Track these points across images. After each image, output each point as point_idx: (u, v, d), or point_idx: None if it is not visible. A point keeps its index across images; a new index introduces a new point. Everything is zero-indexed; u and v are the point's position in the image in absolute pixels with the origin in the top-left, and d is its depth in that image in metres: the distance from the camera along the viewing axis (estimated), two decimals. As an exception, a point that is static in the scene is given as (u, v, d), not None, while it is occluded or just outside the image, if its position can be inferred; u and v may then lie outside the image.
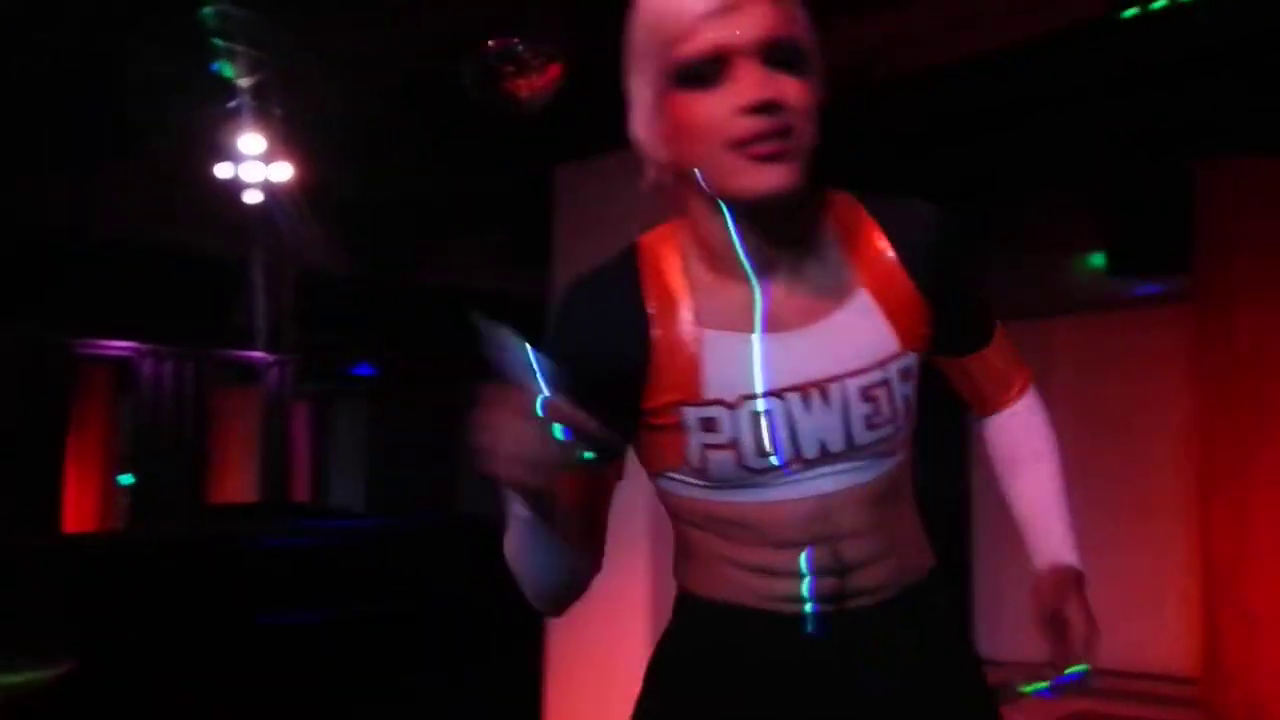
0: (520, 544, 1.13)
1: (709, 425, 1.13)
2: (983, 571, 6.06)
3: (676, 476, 1.18)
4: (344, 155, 4.30)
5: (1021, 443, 1.35)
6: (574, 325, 1.16)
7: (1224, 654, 4.43)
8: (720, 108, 1.06)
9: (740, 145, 1.06)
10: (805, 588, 1.15)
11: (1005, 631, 5.34)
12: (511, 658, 4.31)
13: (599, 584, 1.25)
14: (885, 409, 1.14)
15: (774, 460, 1.13)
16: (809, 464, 1.14)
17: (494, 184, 4.96)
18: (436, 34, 3.42)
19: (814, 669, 1.17)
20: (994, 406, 1.35)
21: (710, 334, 1.14)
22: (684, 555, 1.24)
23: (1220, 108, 4.07)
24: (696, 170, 1.09)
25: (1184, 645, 5.13)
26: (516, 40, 3.34)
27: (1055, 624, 1.25)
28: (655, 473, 1.21)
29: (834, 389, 1.13)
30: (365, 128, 4.17)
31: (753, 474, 1.14)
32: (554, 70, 3.34)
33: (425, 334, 7.25)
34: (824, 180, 1.18)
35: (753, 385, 1.13)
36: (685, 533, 1.22)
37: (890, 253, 1.17)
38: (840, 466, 1.15)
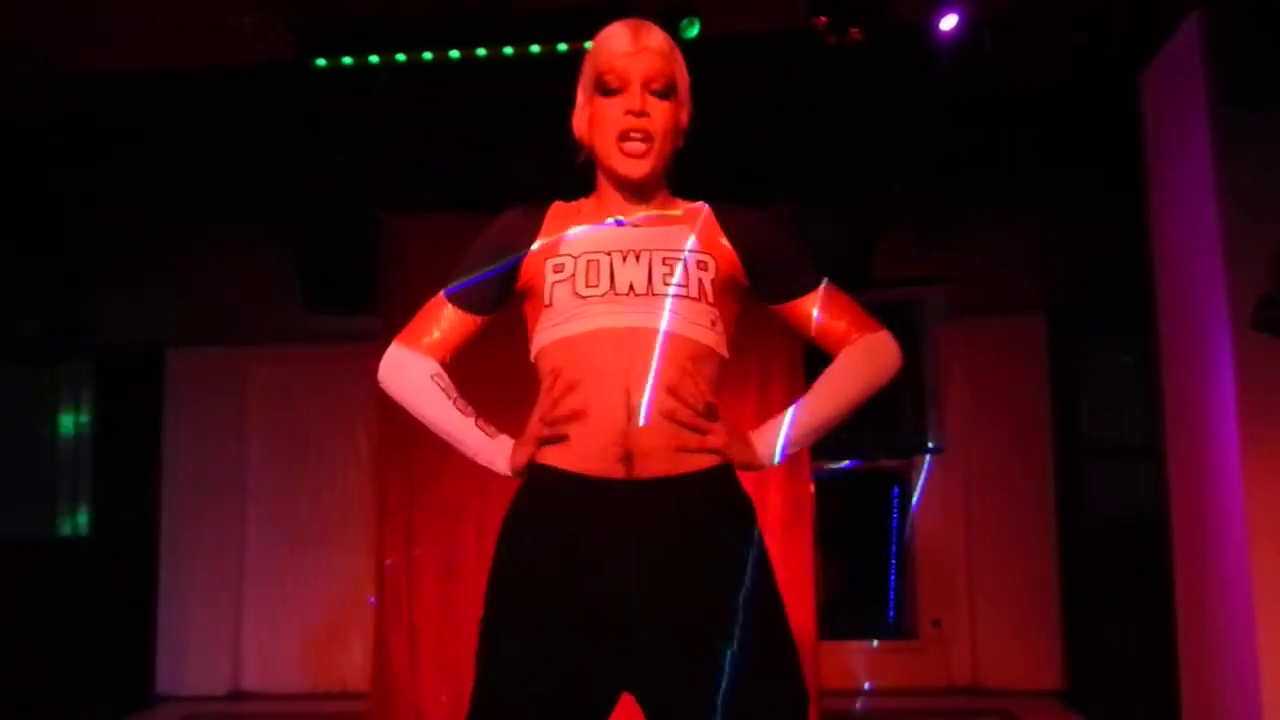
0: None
1: (558, 268, 1.75)
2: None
3: (543, 325, 1.75)
4: None
5: (858, 356, 1.81)
6: (499, 225, 1.86)
7: (390, 666, 4.79)
8: (616, 109, 1.77)
9: (621, 139, 1.76)
10: (606, 440, 1.65)
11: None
12: None
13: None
14: (680, 274, 1.72)
15: (597, 290, 1.70)
16: (620, 298, 1.70)
17: None
18: None
19: (609, 531, 1.65)
20: (839, 342, 1.82)
21: (575, 228, 1.80)
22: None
23: (402, 163, 4.45)
24: (596, 153, 1.81)
25: (360, 664, 5.43)
26: None
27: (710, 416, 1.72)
28: (531, 334, 1.80)
29: (644, 254, 1.74)
30: None
31: (581, 301, 1.71)
32: None
33: None
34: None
35: (591, 246, 1.76)
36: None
37: (716, 225, 1.81)
38: (646, 306, 1.69)
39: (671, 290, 1.71)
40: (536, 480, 1.74)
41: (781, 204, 4.75)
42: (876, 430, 6.34)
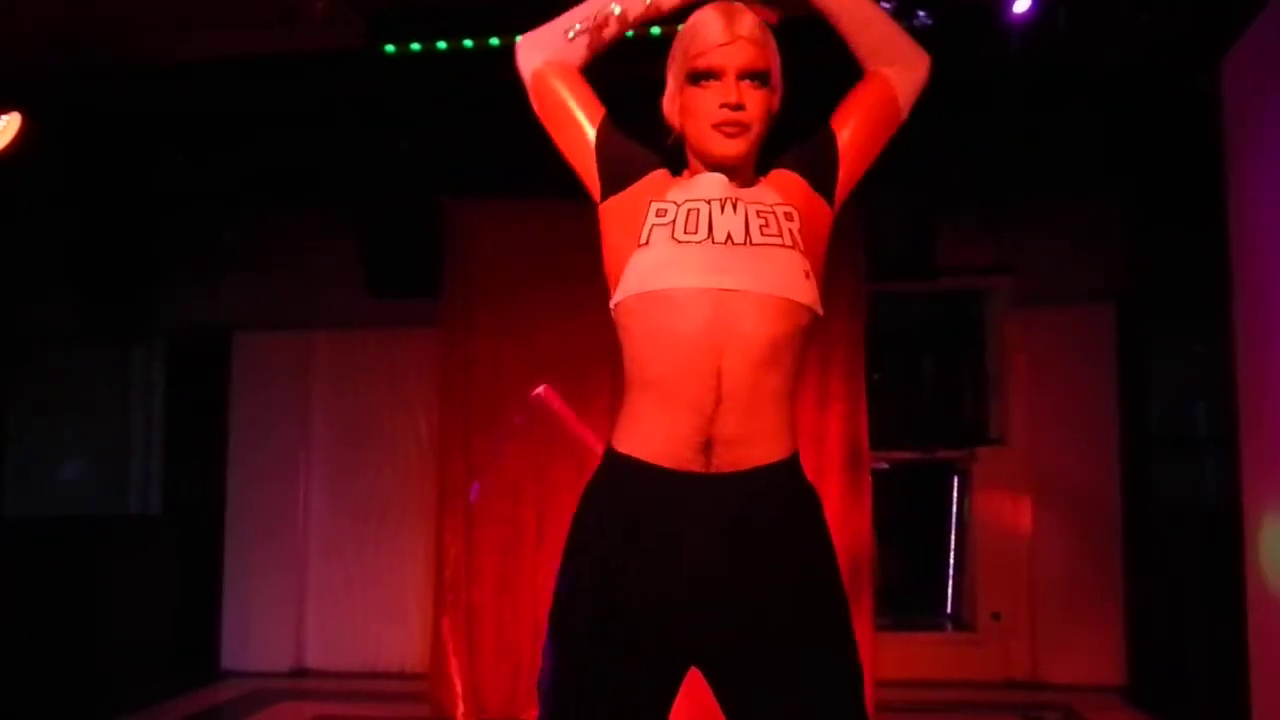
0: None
1: (661, 213, 1.76)
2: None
3: (630, 266, 1.73)
4: None
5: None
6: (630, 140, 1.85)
7: (448, 646, 4.84)
8: (710, 101, 1.75)
9: (716, 126, 1.75)
10: (690, 426, 1.67)
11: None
12: None
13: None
14: (773, 225, 1.74)
15: (695, 237, 1.71)
16: (717, 246, 1.70)
17: None
18: None
19: (693, 515, 1.68)
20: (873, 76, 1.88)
21: (677, 181, 1.83)
22: (623, 417, 1.76)
23: (467, 149, 4.48)
24: (690, 140, 1.81)
25: (419, 644, 5.51)
26: None
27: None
28: (615, 273, 1.76)
29: (740, 205, 1.76)
30: None
31: (679, 246, 1.71)
32: None
33: None
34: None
35: (694, 194, 1.77)
36: (627, 397, 1.75)
37: (794, 175, 1.83)
38: (742, 260, 1.70)
39: (768, 239, 1.72)
40: (614, 468, 1.75)
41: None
42: (936, 420, 6.29)
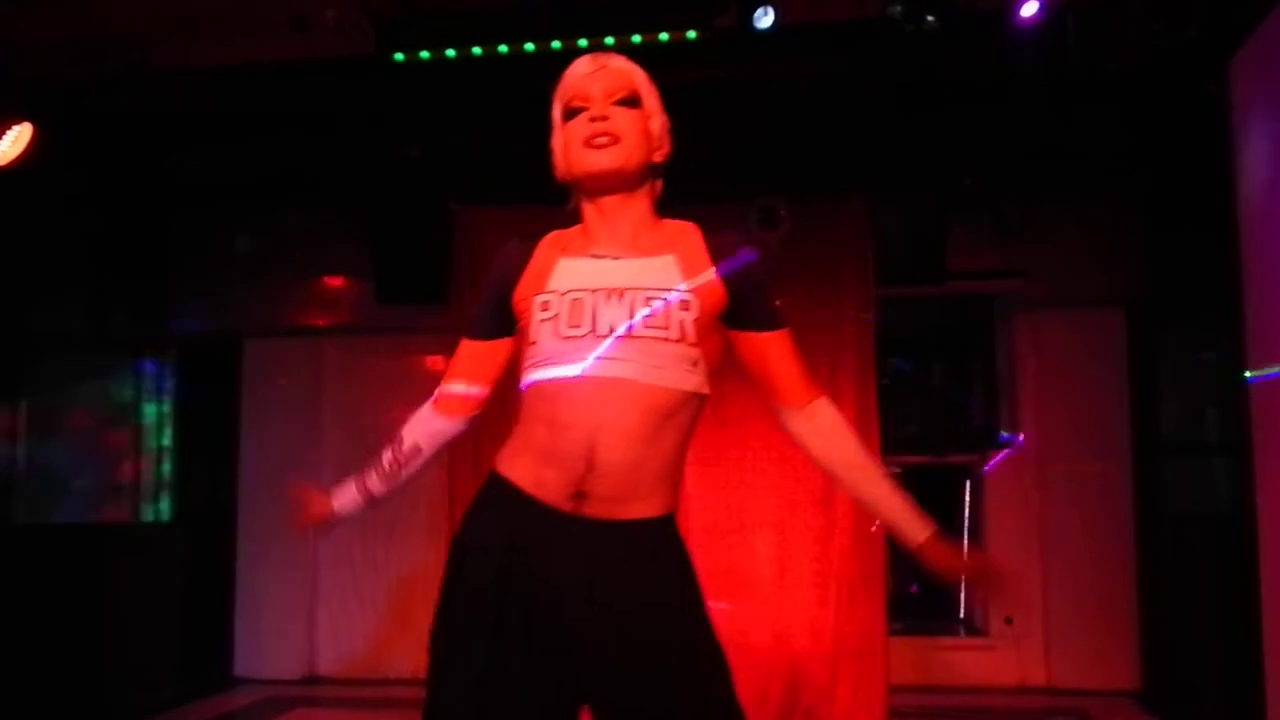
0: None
1: (545, 306, 1.76)
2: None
3: (527, 363, 1.77)
4: None
5: (842, 449, 1.85)
6: (498, 258, 1.88)
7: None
8: (579, 124, 1.79)
9: (586, 142, 1.77)
10: (564, 480, 1.71)
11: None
12: None
13: None
14: (661, 316, 1.71)
15: (579, 331, 1.71)
16: (600, 339, 1.69)
17: None
18: None
19: (556, 559, 1.71)
20: (790, 401, 1.84)
21: (563, 259, 1.81)
22: (508, 448, 1.82)
23: (476, 156, 4.49)
24: (569, 171, 1.83)
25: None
26: None
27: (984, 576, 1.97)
28: (522, 370, 1.80)
29: (628, 294, 1.73)
30: None
31: (564, 342, 1.72)
32: None
33: None
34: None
35: (576, 284, 1.76)
36: (518, 429, 1.80)
37: (705, 252, 1.79)
38: (625, 353, 1.69)
39: (652, 333, 1.71)
40: (494, 489, 1.81)
41: (854, 195, 4.72)
42: (947, 424, 6.27)
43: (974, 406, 6.28)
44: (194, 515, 6.04)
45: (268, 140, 4.29)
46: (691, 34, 3.20)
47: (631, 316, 1.70)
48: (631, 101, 1.80)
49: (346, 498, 2.00)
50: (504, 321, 1.86)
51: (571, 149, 1.80)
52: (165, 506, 6.16)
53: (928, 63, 3.91)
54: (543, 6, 3.57)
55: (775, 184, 4.74)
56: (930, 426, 6.23)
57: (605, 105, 1.78)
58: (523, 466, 1.77)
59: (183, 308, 6.00)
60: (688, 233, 1.83)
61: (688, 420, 1.76)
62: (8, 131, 3.98)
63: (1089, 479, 5.49)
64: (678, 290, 1.73)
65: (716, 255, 1.79)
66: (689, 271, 1.76)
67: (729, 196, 4.62)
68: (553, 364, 1.72)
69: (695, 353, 1.73)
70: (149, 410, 6.23)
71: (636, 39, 3.12)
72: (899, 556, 5.33)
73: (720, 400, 4.78)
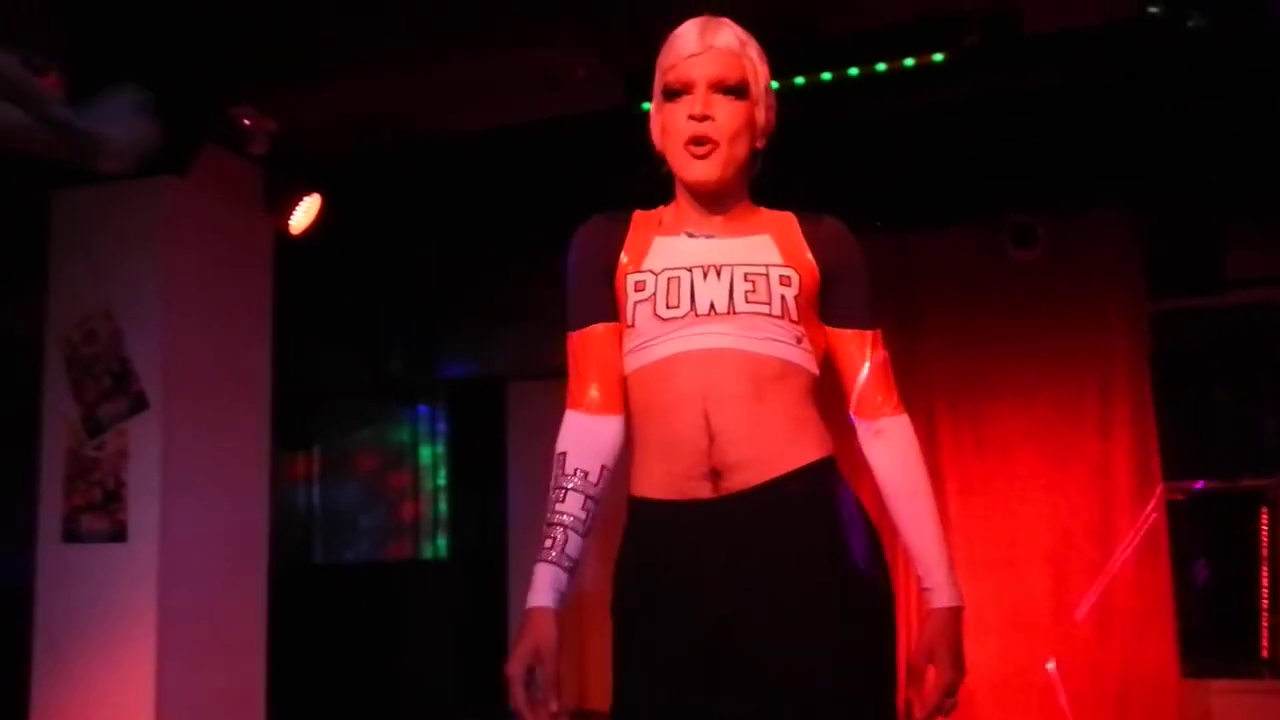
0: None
1: (639, 286, 1.68)
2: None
3: (625, 350, 1.71)
4: None
5: (899, 473, 1.72)
6: (586, 238, 1.78)
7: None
8: (680, 115, 1.66)
9: (686, 145, 1.66)
10: (692, 463, 1.61)
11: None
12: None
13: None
14: (762, 291, 1.64)
15: (678, 312, 1.64)
16: (700, 319, 1.63)
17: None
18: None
19: (702, 550, 1.61)
20: (860, 409, 1.74)
21: (659, 238, 1.72)
22: (634, 466, 1.72)
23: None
24: (665, 157, 1.72)
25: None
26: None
27: (914, 675, 1.66)
28: (623, 357, 1.72)
29: (725, 270, 1.65)
30: None
31: (663, 324, 1.65)
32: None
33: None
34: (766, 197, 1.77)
35: (672, 262, 1.67)
36: (635, 442, 1.72)
37: (800, 235, 1.72)
38: (725, 328, 1.62)
39: (753, 308, 1.64)
40: (633, 514, 1.73)
41: (1119, 204, 4.49)
42: (1231, 443, 5.78)
43: (1263, 422, 5.76)
44: (469, 551, 6.37)
45: (524, 197, 4.52)
46: (938, 57, 3.11)
47: (731, 292, 1.64)
48: (738, 91, 1.67)
49: (551, 589, 1.77)
50: (613, 303, 1.73)
51: (669, 144, 1.70)
52: (442, 543, 6.53)
53: (1195, 60, 3.67)
54: (781, 39, 3.59)
55: (1028, 200, 4.56)
56: (1211, 446, 5.76)
57: (708, 95, 1.65)
58: (652, 475, 1.68)
59: (451, 355, 6.38)
60: (784, 218, 1.76)
61: (799, 388, 1.66)
62: (300, 203, 4.39)
63: None
64: (778, 268, 1.67)
65: (812, 238, 1.72)
66: (786, 250, 1.70)
67: (979, 215, 4.49)
68: (654, 345, 1.66)
69: (798, 330, 1.66)
70: (424, 452, 6.65)
71: (881, 67, 3.09)
72: (1186, 593, 4.95)
73: (978, 421, 4.71)
